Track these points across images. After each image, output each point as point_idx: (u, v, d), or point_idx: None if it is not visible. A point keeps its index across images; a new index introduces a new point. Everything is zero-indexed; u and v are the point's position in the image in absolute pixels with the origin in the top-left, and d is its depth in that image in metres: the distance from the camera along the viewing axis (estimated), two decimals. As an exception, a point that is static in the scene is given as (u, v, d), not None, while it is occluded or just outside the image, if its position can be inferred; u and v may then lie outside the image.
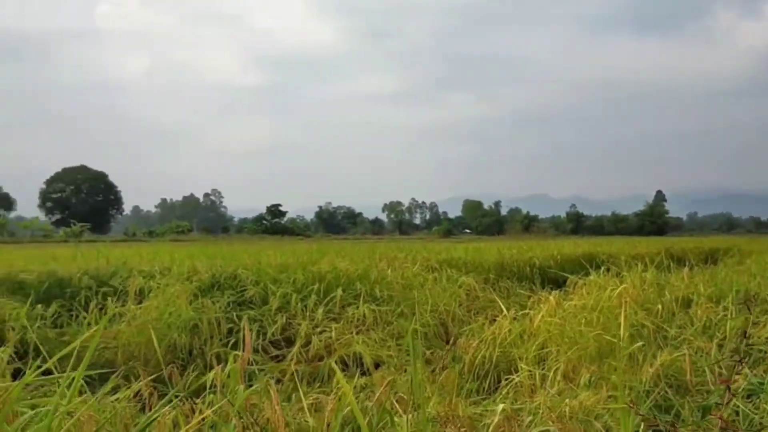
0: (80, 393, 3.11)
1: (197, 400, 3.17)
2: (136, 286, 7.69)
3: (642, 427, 2.53)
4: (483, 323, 6.48)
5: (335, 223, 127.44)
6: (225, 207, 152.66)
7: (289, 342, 6.78)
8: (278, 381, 5.36)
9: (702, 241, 28.26)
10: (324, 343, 6.44)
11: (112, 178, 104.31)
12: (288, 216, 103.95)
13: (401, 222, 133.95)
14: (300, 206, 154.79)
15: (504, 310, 6.05)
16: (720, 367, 4.43)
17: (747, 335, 2.24)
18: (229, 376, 3.26)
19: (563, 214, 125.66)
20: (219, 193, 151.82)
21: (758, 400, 3.25)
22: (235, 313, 7.12)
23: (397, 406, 3.19)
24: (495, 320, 6.06)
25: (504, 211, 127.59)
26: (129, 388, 3.57)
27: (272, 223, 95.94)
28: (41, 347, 3.45)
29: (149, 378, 3.97)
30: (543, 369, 4.71)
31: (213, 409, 2.73)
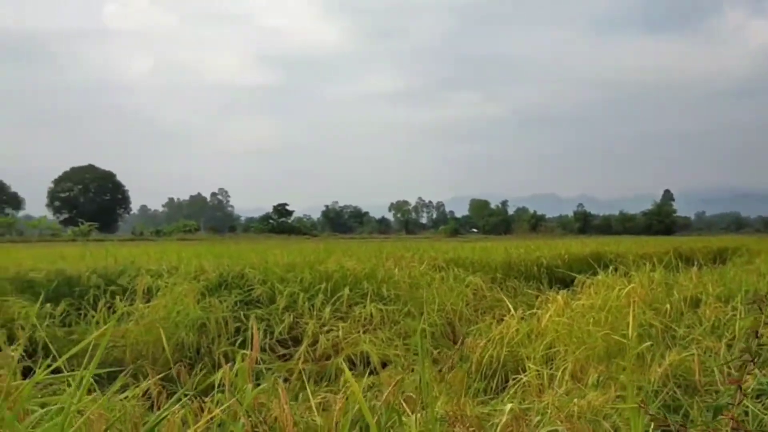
0: (89, 391, 3.13)
1: (206, 399, 3.18)
2: (144, 285, 7.71)
3: (651, 427, 2.52)
4: (490, 323, 6.46)
5: (342, 222, 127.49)
6: (232, 206, 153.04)
7: (297, 341, 6.79)
8: (285, 380, 5.37)
9: (710, 241, 28.13)
10: (331, 342, 6.45)
11: (120, 177, 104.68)
12: (294, 215, 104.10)
13: (408, 221, 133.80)
14: (306, 205, 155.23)
15: (511, 309, 6.04)
16: (729, 368, 4.40)
17: (759, 335, 2.23)
18: (237, 375, 3.27)
19: (571, 214, 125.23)
20: (226, 192, 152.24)
21: (768, 401, 3.23)
22: (242, 312, 7.14)
23: (405, 405, 3.18)
24: (502, 320, 6.05)
25: (511, 211, 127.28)
26: (138, 386, 3.59)
27: (279, 223, 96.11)
28: (51, 346, 3.46)
29: (158, 377, 3.98)
30: (551, 369, 4.70)
31: (222, 408, 2.74)
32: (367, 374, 5.39)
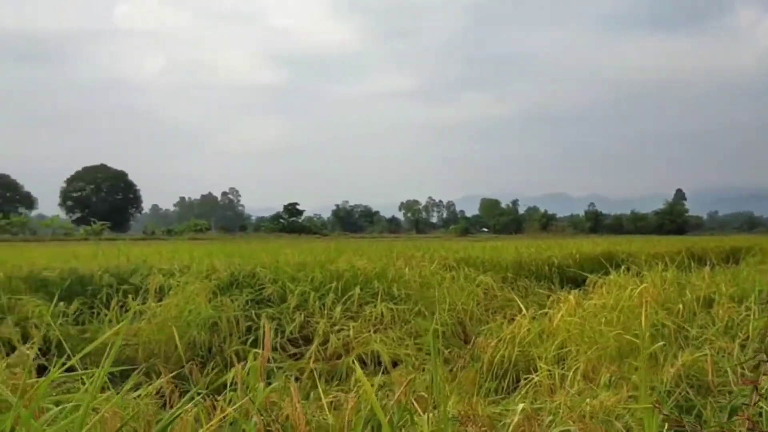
0: (103, 389, 3.15)
1: (218, 398, 3.19)
2: (156, 284, 7.76)
3: (665, 427, 2.51)
4: (501, 322, 6.45)
5: (352, 221, 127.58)
6: (242, 206, 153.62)
7: (307, 340, 6.81)
8: (297, 379, 5.38)
9: (723, 240, 27.91)
10: (342, 341, 6.46)
11: (132, 176, 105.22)
12: (305, 215, 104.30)
13: (418, 221, 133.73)
14: (317, 205, 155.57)
15: (523, 309, 6.02)
16: (743, 368, 4.37)
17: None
18: (249, 374, 3.28)
19: (582, 213, 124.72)
20: (237, 191, 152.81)
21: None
22: (253, 311, 7.16)
23: (416, 404, 3.18)
24: (513, 319, 6.04)
25: (522, 210, 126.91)
26: (151, 384, 3.61)
27: (289, 222, 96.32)
28: (65, 344, 3.49)
29: (170, 375, 4.00)
30: (562, 369, 4.69)
31: (235, 407, 2.75)
32: (378, 374, 5.40)
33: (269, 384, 3.31)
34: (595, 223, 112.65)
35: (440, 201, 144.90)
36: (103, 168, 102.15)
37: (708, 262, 10.17)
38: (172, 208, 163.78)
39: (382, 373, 5.47)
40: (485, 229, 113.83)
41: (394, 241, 31.15)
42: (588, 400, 3.54)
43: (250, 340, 6.58)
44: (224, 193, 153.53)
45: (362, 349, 6.23)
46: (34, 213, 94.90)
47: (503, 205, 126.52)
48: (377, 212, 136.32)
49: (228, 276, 8.35)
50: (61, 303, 6.99)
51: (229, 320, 6.77)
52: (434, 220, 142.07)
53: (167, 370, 5.13)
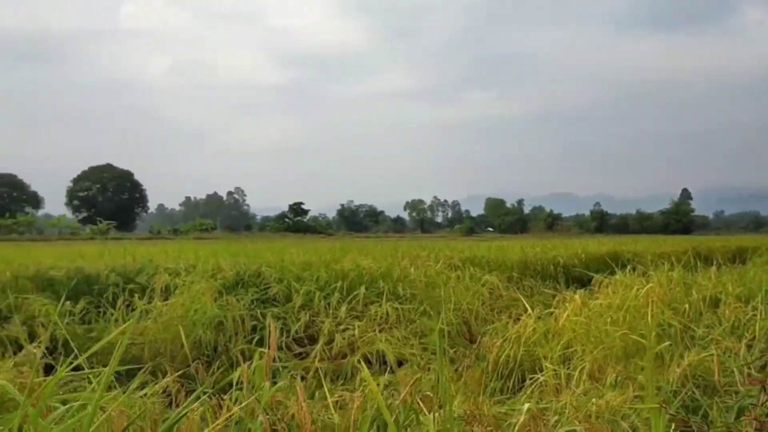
0: (109, 388, 3.17)
1: (224, 397, 3.20)
2: (162, 283, 7.77)
3: (672, 427, 2.50)
4: (507, 322, 6.44)
5: (357, 221, 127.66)
6: (248, 205, 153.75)
7: (313, 339, 6.82)
8: (302, 378, 5.39)
9: (729, 240, 27.81)
10: (347, 340, 6.47)
11: (138, 176, 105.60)
12: (310, 214, 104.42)
13: (423, 220, 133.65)
14: (322, 204, 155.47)
15: (528, 308, 6.01)
16: (750, 368, 4.36)
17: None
18: (254, 373, 3.29)
19: (587, 213, 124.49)
20: (242, 191, 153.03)
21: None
22: (259, 311, 7.18)
23: (422, 404, 3.19)
24: (519, 319, 6.03)
25: (527, 210, 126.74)
26: (157, 383, 3.62)
27: (294, 222, 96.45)
28: (72, 343, 3.51)
29: (176, 374, 4.02)
30: (568, 368, 4.68)
31: (241, 406, 2.76)
32: (383, 373, 5.40)
33: (275, 383, 3.32)
34: (601, 222, 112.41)
35: (445, 201, 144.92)
36: (109, 168, 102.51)
37: (714, 262, 10.13)
38: (177, 208, 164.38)
39: (387, 372, 5.47)
40: (490, 229, 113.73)
41: (399, 240, 31.14)
42: (594, 399, 3.54)
43: (255, 340, 6.59)
44: (229, 193, 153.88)
45: (367, 348, 6.23)
46: (40, 212, 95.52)
47: (508, 205, 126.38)
48: (382, 212, 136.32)
49: (233, 275, 8.37)
50: (68, 302, 7.01)
51: (234, 319, 6.79)
52: (439, 219, 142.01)
53: (173, 369, 5.15)
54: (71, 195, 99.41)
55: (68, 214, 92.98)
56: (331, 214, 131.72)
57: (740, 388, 3.98)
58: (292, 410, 2.98)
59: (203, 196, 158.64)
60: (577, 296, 5.96)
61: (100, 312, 7.30)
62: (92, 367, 3.23)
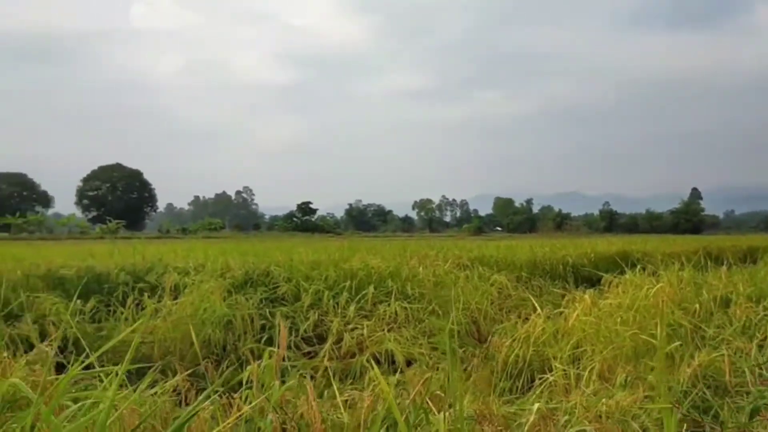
0: (120, 387, 3.18)
1: (234, 395, 3.21)
2: (172, 282, 7.80)
3: (684, 427, 2.49)
4: (516, 322, 6.42)
5: (365, 220, 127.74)
6: (256, 204, 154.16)
7: (321, 339, 6.83)
8: (311, 377, 5.40)
9: (740, 240, 27.63)
10: (356, 340, 6.47)
11: (147, 176, 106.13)
12: (318, 214, 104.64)
13: (431, 220, 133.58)
14: (330, 204, 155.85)
15: (537, 308, 6.00)
16: (761, 368, 4.33)
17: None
18: (264, 372, 3.30)
19: (596, 212, 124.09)
20: (250, 190, 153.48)
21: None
22: (267, 310, 7.20)
23: (431, 404, 3.19)
24: (528, 319, 6.02)
25: (536, 209, 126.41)
26: (167, 382, 3.64)
27: (303, 221, 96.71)
28: (83, 342, 3.53)
29: (186, 373, 4.03)
30: (578, 368, 4.66)
31: (251, 405, 2.77)
32: (391, 373, 5.40)
33: (284, 382, 3.32)
34: (610, 222, 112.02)
35: (453, 200, 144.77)
36: (118, 167, 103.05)
37: (725, 262, 10.07)
38: (186, 207, 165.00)
39: (396, 372, 5.47)
40: (499, 228, 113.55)
41: (408, 240, 31.13)
42: (604, 400, 3.52)
43: (264, 339, 6.61)
44: (238, 192, 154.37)
45: (376, 347, 6.23)
46: (50, 212, 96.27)
47: (517, 204, 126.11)
48: (390, 211, 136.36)
49: (242, 274, 8.39)
50: (79, 301, 7.04)
51: (243, 318, 6.81)
52: (448, 219, 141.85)
53: (183, 367, 5.16)
54: (81, 194, 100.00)
55: (78, 213, 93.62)
56: (340, 213, 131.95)
57: (751, 389, 3.95)
58: (301, 409, 2.99)
59: (212, 196, 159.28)
60: (586, 296, 5.93)
61: (110, 311, 7.33)
62: (103, 366, 3.24)
